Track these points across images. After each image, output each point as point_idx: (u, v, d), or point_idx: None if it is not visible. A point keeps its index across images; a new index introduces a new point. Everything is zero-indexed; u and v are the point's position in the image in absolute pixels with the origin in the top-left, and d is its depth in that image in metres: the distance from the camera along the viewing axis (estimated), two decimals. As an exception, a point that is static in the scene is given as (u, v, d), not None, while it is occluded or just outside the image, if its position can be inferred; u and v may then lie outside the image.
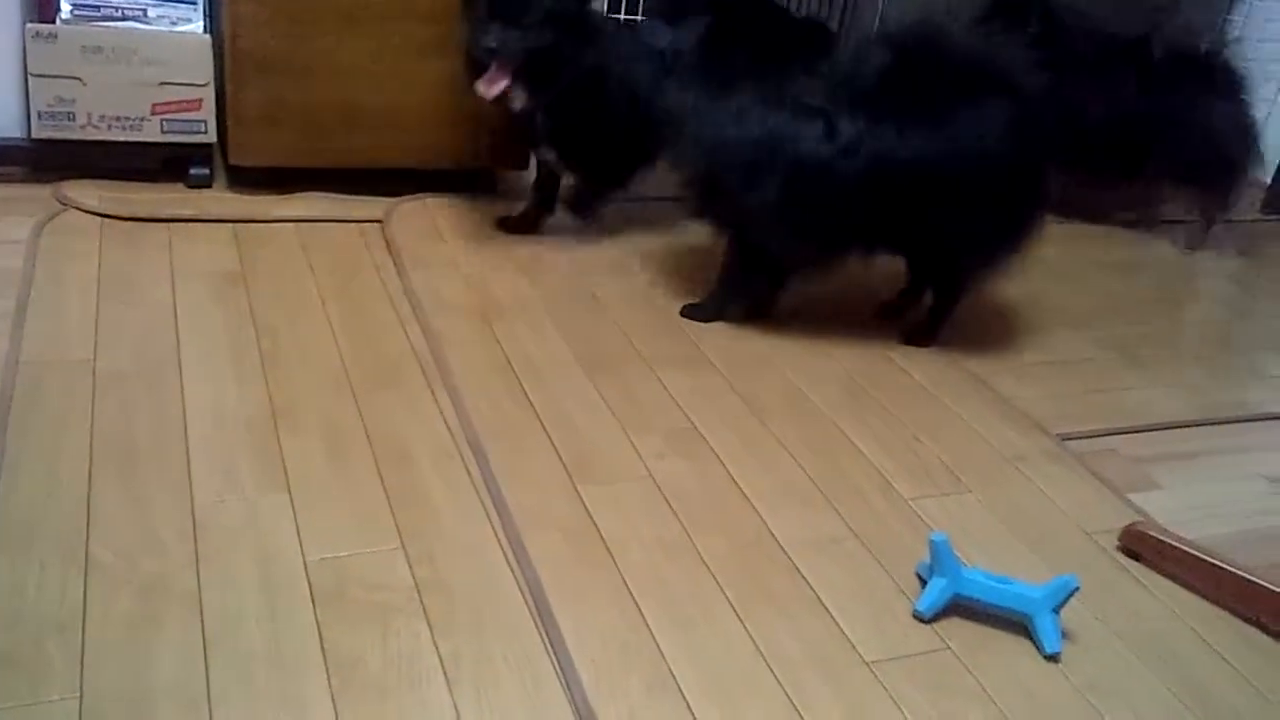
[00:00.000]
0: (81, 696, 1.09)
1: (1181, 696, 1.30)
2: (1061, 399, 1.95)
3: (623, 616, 1.30)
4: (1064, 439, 1.81)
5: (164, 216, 2.13)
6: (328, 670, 1.16)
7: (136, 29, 2.17)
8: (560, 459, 1.58)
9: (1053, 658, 1.32)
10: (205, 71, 2.19)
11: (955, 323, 2.16)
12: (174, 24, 2.22)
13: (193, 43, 2.18)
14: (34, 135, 2.14)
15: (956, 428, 1.80)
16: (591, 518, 1.46)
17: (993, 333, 2.17)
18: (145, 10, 2.20)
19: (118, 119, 2.17)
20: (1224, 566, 1.46)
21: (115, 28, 2.15)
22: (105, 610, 1.20)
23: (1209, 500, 1.72)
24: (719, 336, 1.99)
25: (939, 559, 1.35)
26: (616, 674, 1.22)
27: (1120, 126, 2.65)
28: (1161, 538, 1.53)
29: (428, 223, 2.29)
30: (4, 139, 2.17)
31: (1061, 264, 2.57)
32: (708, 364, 1.89)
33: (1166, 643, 1.38)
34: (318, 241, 2.14)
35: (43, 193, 2.17)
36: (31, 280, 1.85)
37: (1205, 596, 1.47)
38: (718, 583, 1.38)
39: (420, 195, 2.40)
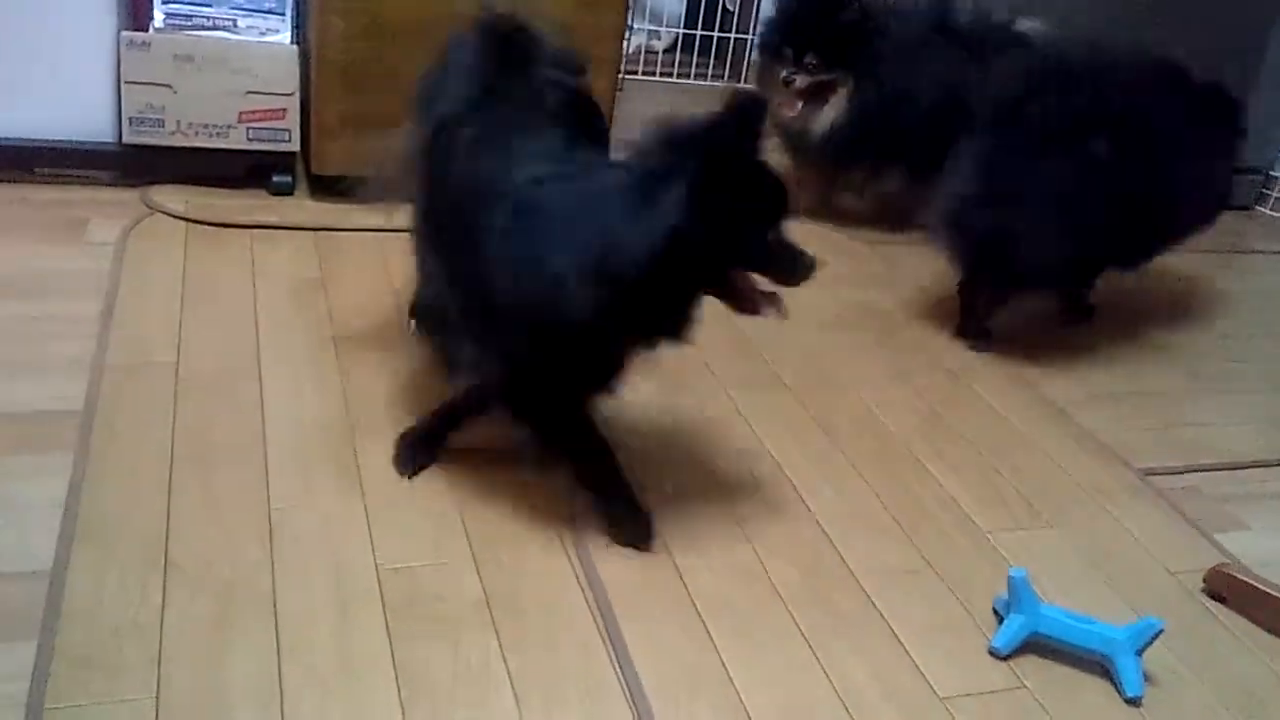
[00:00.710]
0: (157, 696, 1.11)
1: (1270, 749, 1.25)
2: (1145, 432, 1.90)
3: (692, 640, 1.29)
4: (1147, 474, 1.76)
5: (247, 223, 2.17)
6: (397, 679, 1.17)
7: (226, 38, 2.21)
8: (634, 477, 1.57)
9: (1134, 701, 1.28)
10: (291, 81, 2.23)
11: (1035, 350, 2.12)
12: (262, 34, 2.26)
13: (280, 53, 2.22)
14: (124, 140, 2.20)
15: (1036, 459, 1.76)
16: (662, 538, 1.45)
17: (1074, 361, 2.12)
18: (235, 20, 2.25)
19: (205, 126, 2.21)
20: (1316, 614, 1.41)
21: (206, 37, 2.19)
22: (182, 612, 1.22)
23: (1299, 543, 1.66)
24: (791, 356, 1.97)
25: (1017, 595, 1.32)
26: (684, 699, 1.20)
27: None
28: (1248, 580, 1.47)
29: (503, 235, 2.30)
30: (96, 143, 2.22)
31: (1148, 291, 2.50)
32: (780, 384, 1.87)
33: (1251, 689, 1.33)
34: (396, 251, 2.16)
35: (131, 197, 2.22)
36: (118, 283, 1.89)
37: (1296, 644, 1.42)
38: (789, 610, 1.36)
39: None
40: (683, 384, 1.83)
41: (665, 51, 3.68)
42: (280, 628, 1.21)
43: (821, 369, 1.95)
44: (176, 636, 1.18)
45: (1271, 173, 3.21)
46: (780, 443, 1.70)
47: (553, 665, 1.22)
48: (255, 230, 2.16)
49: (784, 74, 2.48)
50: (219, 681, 1.14)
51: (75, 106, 2.19)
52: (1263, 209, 3.23)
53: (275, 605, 1.24)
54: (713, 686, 1.22)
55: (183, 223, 2.14)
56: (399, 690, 1.15)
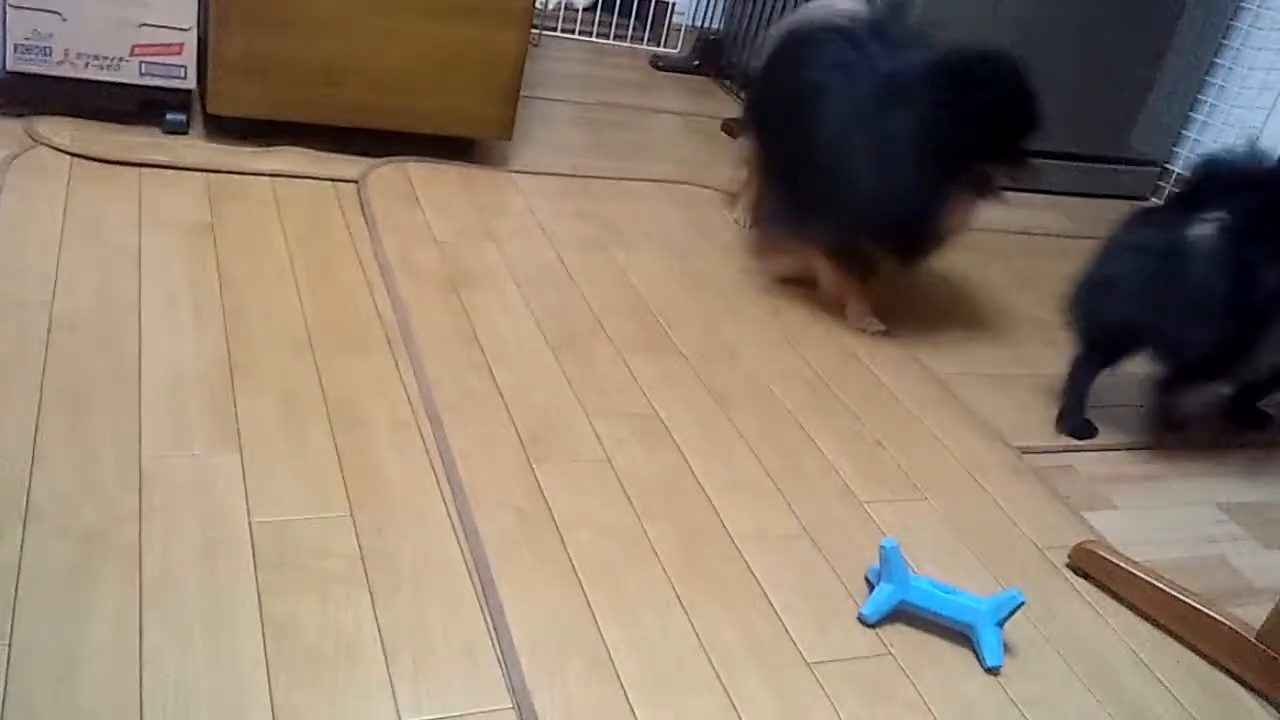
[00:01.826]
0: (10, 645, 1.07)
1: (1117, 717, 1.30)
2: (1026, 411, 1.95)
3: (567, 600, 1.29)
4: (1024, 452, 1.82)
5: (136, 161, 2.10)
6: (264, 635, 1.15)
7: (121, -33, 2.12)
8: (518, 436, 1.56)
9: (993, 670, 1.33)
10: (189, 16, 2.15)
11: (924, 328, 2.17)
12: (160, -36, 2.17)
13: (178, -15, 2.14)
14: (8, 68, 2.09)
15: (919, 434, 1.80)
16: (544, 497, 1.45)
17: (961, 339, 2.17)
18: (131, -52, 2.16)
19: (96, 57, 2.12)
20: (1170, 591, 1.47)
21: (99, -37, 2.10)
22: (42, 558, 1.18)
23: (1161, 524, 1.73)
24: (689, 324, 1.97)
25: (888, 565, 1.35)
26: (555, 657, 1.21)
27: None
28: (1111, 559, 1.53)
29: (404, 187, 2.26)
30: (-23, 69, 2.12)
31: (1036, 274, 2.57)
32: (675, 351, 1.88)
33: (1108, 663, 1.39)
34: (291, 198, 2.11)
35: (14, 127, 2.12)
36: (-6, 216, 1.81)
37: (1150, 620, 1.48)
38: (665, 572, 1.37)
39: (399, 158, 2.37)
40: (578, 345, 1.82)
41: (585, 10, 3.64)
42: (145, 579, 1.18)
43: (717, 337, 1.96)
44: (34, 582, 1.15)
45: (1168, 165, 3.31)
46: (671, 408, 1.71)
47: (425, 623, 1.21)
48: (145, 169, 2.08)
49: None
50: (76, 631, 1.11)
51: (-46, 28, 2.08)
52: (1156, 200, 3.33)
53: (140, 556, 1.21)
54: (585, 647, 1.23)
55: (68, 157, 2.06)
56: (265, 646, 1.14)
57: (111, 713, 1.03)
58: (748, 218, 2.44)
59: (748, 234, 2.41)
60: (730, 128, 3.08)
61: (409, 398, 1.59)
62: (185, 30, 2.16)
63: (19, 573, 1.16)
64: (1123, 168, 3.28)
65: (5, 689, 1.03)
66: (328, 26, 2.19)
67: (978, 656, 1.34)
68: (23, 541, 1.20)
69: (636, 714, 1.16)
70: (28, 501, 1.25)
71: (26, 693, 1.03)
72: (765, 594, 1.37)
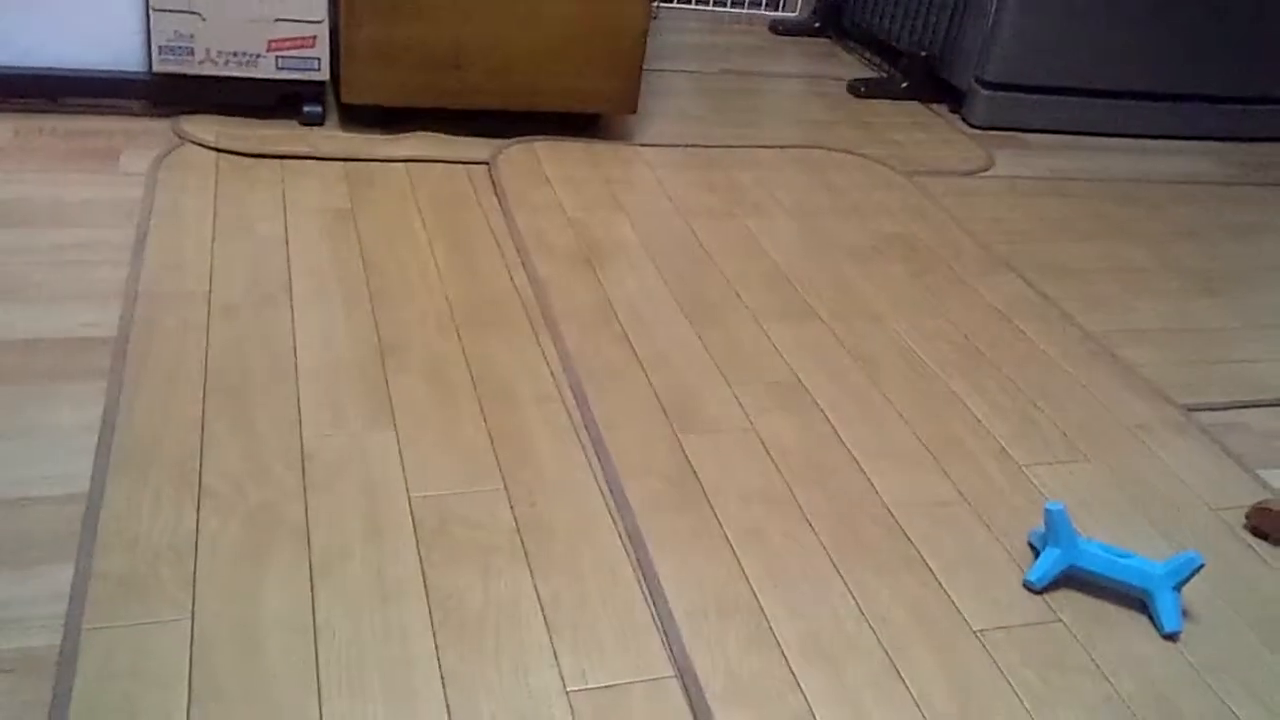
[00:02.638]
0: (193, 618, 1.12)
1: (1310, 685, 1.23)
2: (1190, 368, 1.86)
3: (722, 569, 1.28)
4: (1190, 410, 1.72)
5: (277, 153, 2.16)
6: (429, 606, 1.17)
7: (255, -35, 2.18)
8: (661, 406, 1.56)
9: (1171, 636, 1.27)
10: (320, 9, 2.20)
11: (1076, 285, 2.08)
12: (291, -40, 2.23)
13: (309, -21, 2.19)
14: (154, 69, 2.18)
15: (1076, 394, 1.73)
16: (692, 467, 1.44)
17: (1117, 294, 2.08)
18: (263, -54, 2.22)
19: (234, 54, 2.19)
20: (1362, 551, 1.38)
21: (234, -37, 2.16)
22: (216, 536, 1.23)
23: (1346, 481, 1.62)
24: (826, 290, 1.94)
25: (1055, 528, 1.30)
26: (714, 625, 1.20)
27: None
28: (1293, 517, 1.44)
29: (533, 166, 2.27)
30: (126, 72, 2.21)
31: (1191, 226, 2.44)
32: (814, 317, 1.85)
33: (1295, 628, 1.31)
34: (426, 181, 2.14)
35: (162, 127, 2.21)
36: (150, 212, 1.89)
37: (1339, 581, 1.39)
38: (820, 541, 1.35)
39: (527, 138, 2.39)
40: (713, 315, 1.80)
41: (701, -21, 3.60)
42: (314, 553, 1.22)
43: (856, 301, 1.92)
44: (210, 560, 1.19)
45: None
46: (813, 375, 1.68)
47: (583, 593, 1.22)
48: (286, 160, 2.15)
49: None
50: (253, 604, 1.15)
51: (103, 35, 2.17)
52: (1317, 141, 3.13)
53: (308, 531, 1.25)
54: (743, 614, 1.22)
55: (213, 153, 2.13)
56: (431, 616, 1.16)
57: (290, 680, 1.06)
58: None
59: (880, 197, 2.35)
60: (856, 88, 3.01)
61: (552, 372, 1.60)
62: (317, 23, 2.21)
63: (196, 549, 1.20)
64: (1272, 107, 3.09)
65: (191, 659, 1.07)
66: (452, 11, 2.22)
67: (1154, 622, 1.28)
68: (198, 520, 1.24)
69: (800, 681, 1.14)
70: (200, 481, 1.30)
71: (210, 663, 1.07)
72: (925, 561, 1.34)
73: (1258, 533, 1.46)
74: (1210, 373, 1.86)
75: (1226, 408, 1.76)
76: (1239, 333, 2.01)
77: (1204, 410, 1.74)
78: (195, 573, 1.17)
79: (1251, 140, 3.06)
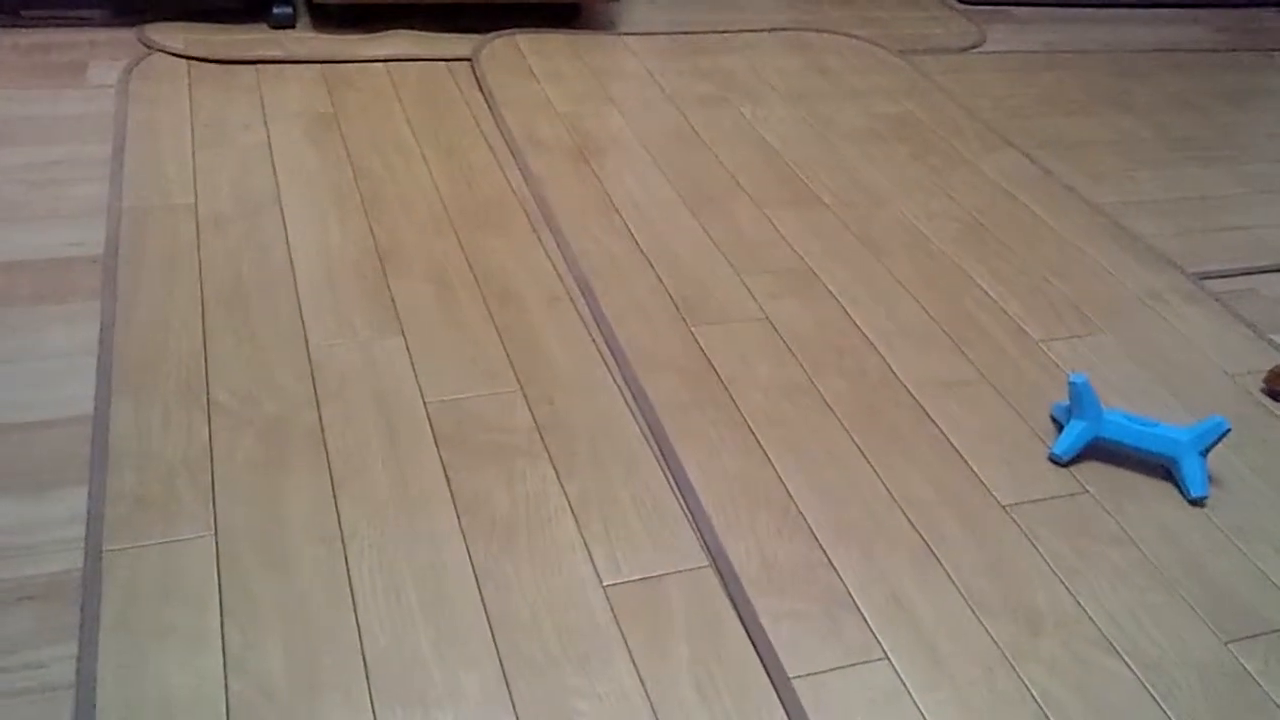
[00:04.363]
0: (216, 533, 1.10)
1: (1336, 541, 1.24)
2: (1197, 236, 1.84)
3: (747, 457, 1.27)
4: (1201, 278, 1.71)
5: (251, 58, 2.07)
6: (456, 509, 1.15)
7: None
8: (671, 299, 1.53)
9: (1198, 501, 1.27)
10: (283, -98, 2.09)
11: (1077, 158, 2.05)
12: None
13: None
14: (114, -25, 2.08)
15: (1086, 266, 1.71)
16: (708, 358, 1.42)
17: (1118, 166, 2.04)
18: None
19: (197, -45, 2.09)
20: (1382, 408, 1.37)
21: None
22: (231, 450, 1.20)
23: (1358, 341, 1.62)
24: (828, 174, 1.89)
25: (1079, 400, 1.29)
26: (743, 513, 1.19)
27: None
28: (1311, 379, 1.44)
29: (517, 60, 2.19)
30: (84, -21, 2.11)
31: (1185, 94, 2.40)
32: (818, 202, 1.81)
33: (1317, 487, 1.31)
34: (407, 81, 2.07)
35: (127, 36, 2.11)
36: (125, 125, 1.81)
37: (1359, 440, 1.39)
38: (843, 425, 1.33)
39: (508, 32, 2.30)
40: (715, 204, 1.76)
41: None
42: (332, 462, 1.19)
43: (859, 184, 1.87)
44: (228, 473, 1.17)
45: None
46: (821, 260, 1.65)
47: (609, 488, 1.20)
48: (260, 65, 2.06)
49: None
50: (276, 516, 1.12)
51: (57, -61, 2.07)
52: (1309, 3, 3.07)
53: (324, 440, 1.22)
54: (771, 501, 1.21)
55: (184, 60, 2.05)
56: (459, 519, 1.14)
57: (325, 591, 1.05)
58: None
59: (874, 78, 2.29)
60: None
61: (556, 269, 1.56)
62: (282, -83, 2.10)
63: (211, 465, 1.18)
64: (1270, -30, 3.01)
65: (219, 577, 1.05)
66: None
67: (1180, 489, 1.28)
68: (210, 434, 1.21)
69: (835, 564, 1.14)
70: (208, 396, 1.27)
71: (241, 579, 1.05)
72: (949, 440, 1.33)
73: (1275, 396, 1.46)
74: (1216, 240, 1.84)
75: (1235, 274, 1.74)
76: (1241, 199, 1.99)
77: (1214, 278, 1.72)
78: (213, 488, 1.15)
79: (1236, 5, 2.99)
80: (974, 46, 2.53)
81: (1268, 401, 1.46)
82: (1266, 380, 1.47)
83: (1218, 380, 1.49)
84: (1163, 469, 1.30)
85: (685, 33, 2.41)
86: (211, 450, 1.19)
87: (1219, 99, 2.41)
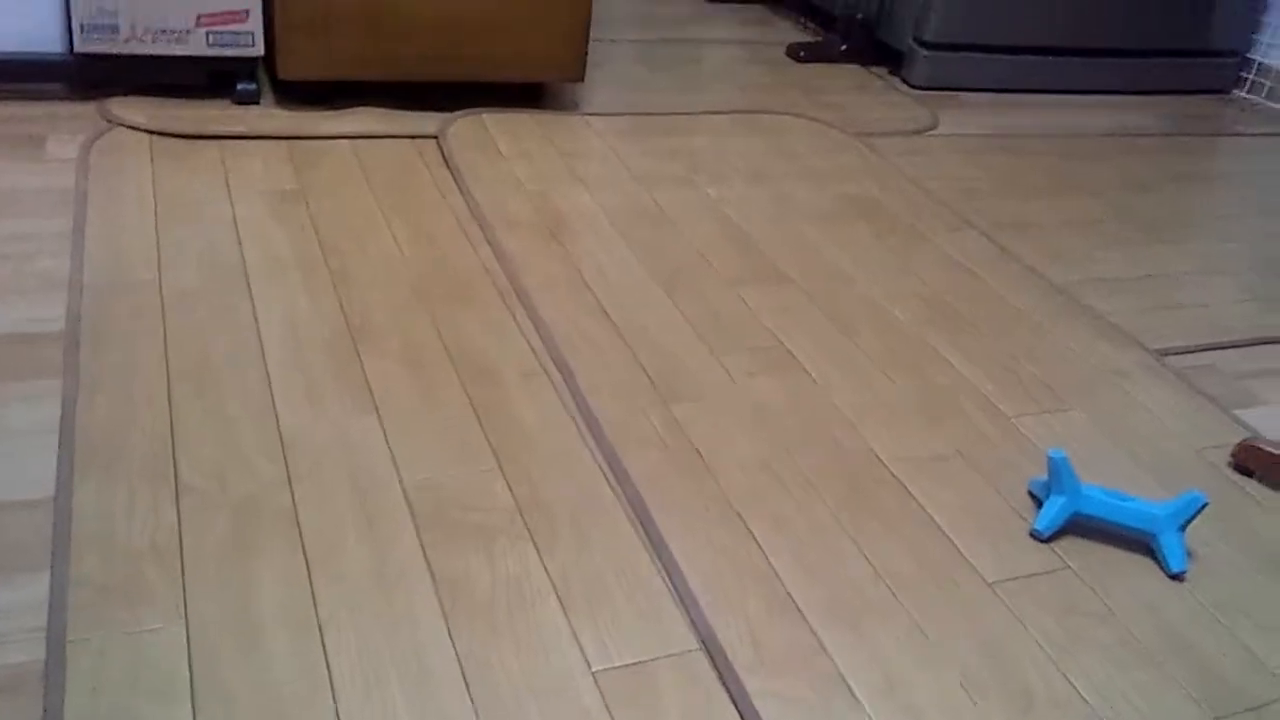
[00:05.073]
0: (187, 623, 1.05)
1: (1315, 615, 1.25)
2: (1155, 314, 1.88)
3: (730, 535, 1.25)
4: (1163, 354, 1.74)
5: (215, 133, 2.06)
6: (437, 591, 1.12)
7: (178, -64, 2.07)
8: (647, 376, 1.52)
9: (1178, 576, 1.27)
10: (251, -19, 2.10)
11: (1037, 238, 2.09)
12: (215, -68, 2.12)
13: (237, -50, 2.08)
14: (76, 50, 2.06)
15: (1052, 344, 1.73)
16: (686, 435, 1.41)
17: (1075, 245, 2.09)
18: (185, -83, 2.10)
19: (163, 32, 2.08)
20: (1347, 482, 1.40)
21: (156, -65, 2.05)
22: (200, 533, 1.15)
23: (1316, 416, 1.66)
24: (794, 253, 1.91)
25: (1058, 476, 1.29)
26: (732, 594, 1.17)
27: None
28: (1276, 452, 1.46)
29: (484, 138, 2.21)
30: (46, 54, 2.08)
31: (1136, 177, 2.47)
32: (786, 280, 1.82)
33: (1290, 561, 1.33)
34: (374, 158, 2.06)
35: (88, 110, 2.09)
36: (85, 199, 1.78)
37: (1327, 513, 1.41)
38: (825, 501, 1.32)
39: (473, 110, 2.32)
40: (686, 283, 1.77)
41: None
42: (306, 545, 1.16)
43: (825, 263, 1.90)
44: (197, 558, 1.12)
45: (1249, 55, 3.18)
46: (794, 337, 1.66)
47: (594, 569, 1.18)
48: (224, 141, 2.05)
49: None
50: (249, 603, 1.08)
51: (19, 15, 2.04)
52: (1239, 92, 3.21)
53: (298, 522, 1.18)
54: (758, 581, 1.19)
55: (147, 135, 2.02)
56: (440, 603, 1.11)
57: (302, 681, 1.00)
58: None
59: (834, 159, 2.34)
60: (795, 53, 2.99)
61: (531, 346, 1.55)
62: (249, -4, 2.10)
63: (180, 549, 1.13)
64: (1201, 60, 3.15)
65: (190, 667, 1.01)
66: (391, -20, 2.13)
67: (1159, 563, 1.29)
68: (179, 517, 1.17)
69: (826, 645, 1.12)
70: (175, 475, 1.23)
71: (213, 668, 1.01)
72: (930, 516, 1.32)
73: (1243, 470, 1.48)
74: (1174, 318, 1.88)
75: (1195, 350, 1.78)
76: (1195, 278, 2.04)
77: (1175, 354, 1.76)
78: (183, 574, 1.10)
79: (1182, 93, 3.12)
80: (928, 129, 2.60)
81: (1235, 475, 1.48)
82: (1234, 455, 1.49)
83: (1186, 455, 1.51)
84: (1141, 544, 1.31)
85: (647, 114, 2.44)
86: (180, 534, 1.15)
87: (1169, 181, 2.49)
